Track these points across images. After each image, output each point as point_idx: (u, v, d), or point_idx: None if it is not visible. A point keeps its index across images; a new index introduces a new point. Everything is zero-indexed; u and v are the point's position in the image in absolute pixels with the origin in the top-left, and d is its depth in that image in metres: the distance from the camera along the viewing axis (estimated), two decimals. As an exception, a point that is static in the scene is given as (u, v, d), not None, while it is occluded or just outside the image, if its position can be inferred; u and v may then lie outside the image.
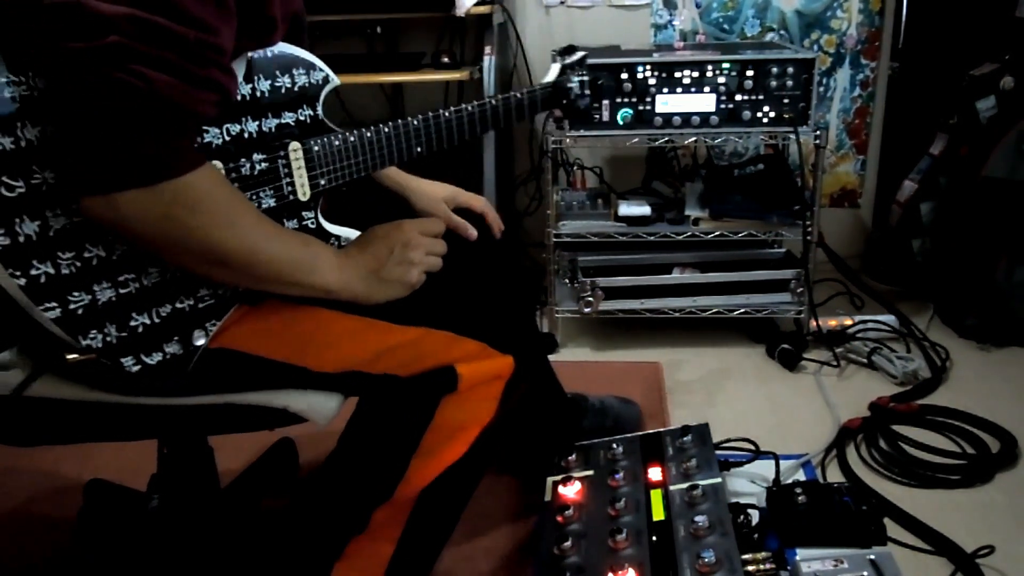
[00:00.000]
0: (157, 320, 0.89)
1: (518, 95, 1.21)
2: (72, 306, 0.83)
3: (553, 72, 1.32)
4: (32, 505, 1.54)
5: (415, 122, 1.10)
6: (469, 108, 1.15)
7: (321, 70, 1.01)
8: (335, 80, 1.03)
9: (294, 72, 0.99)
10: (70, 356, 0.84)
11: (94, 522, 1.38)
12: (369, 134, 1.06)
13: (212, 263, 0.87)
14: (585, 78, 1.32)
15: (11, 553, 1.42)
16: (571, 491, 1.31)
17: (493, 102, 1.18)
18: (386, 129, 1.08)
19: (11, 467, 1.64)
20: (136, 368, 0.88)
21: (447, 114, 1.13)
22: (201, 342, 0.93)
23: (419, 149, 1.12)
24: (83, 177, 0.78)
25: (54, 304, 0.81)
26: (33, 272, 0.80)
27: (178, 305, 0.91)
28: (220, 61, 0.83)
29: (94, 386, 0.93)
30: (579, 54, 1.35)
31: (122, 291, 0.86)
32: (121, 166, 0.78)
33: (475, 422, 1.06)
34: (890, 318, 2.12)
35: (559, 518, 1.25)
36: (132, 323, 0.87)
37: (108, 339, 0.86)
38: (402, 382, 1.01)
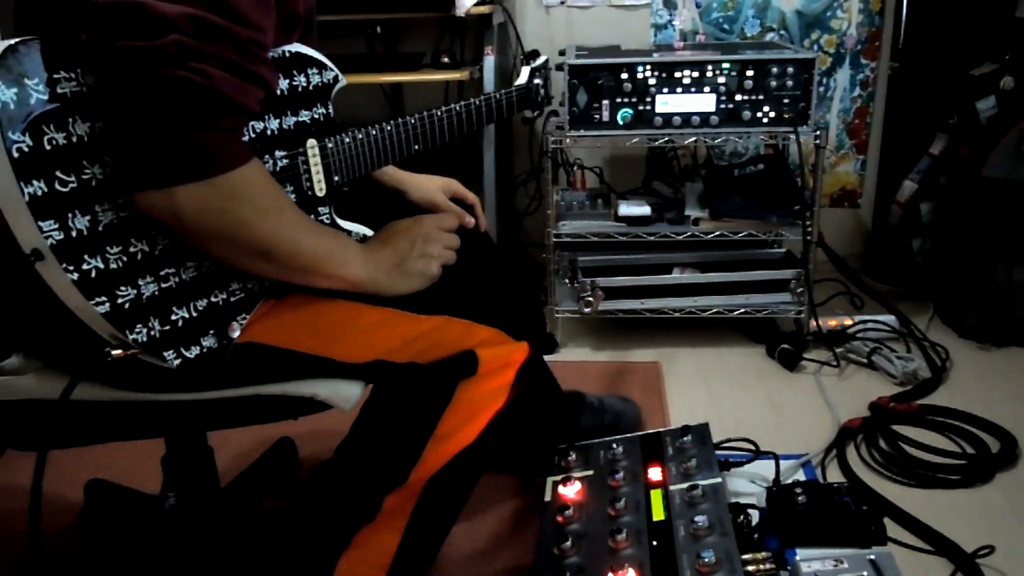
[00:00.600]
0: (195, 314, 0.91)
1: (497, 96, 1.31)
2: (120, 300, 0.84)
3: (524, 75, 1.42)
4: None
5: (412, 120, 1.15)
6: (457, 107, 1.22)
7: (331, 69, 1.04)
8: (343, 80, 1.06)
9: (309, 71, 1.01)
10: (114, 352, 0.84)
11: (95, 522, 1.38)
12: (375, 132, 1.11)
13: (258, 255, 0.89)
14: (547, 81, 1.46)
15: (11, 553, 1.42)
16: (571, 491, 1.31)
17: (477, 102, 1.27)
18: (388, 127, 1.12)
19: (11, 467, 1.64)
20: (177, 361, 0.89)
21: (439, 112, 1.19)
22: (236, 334, 0.94)
23: (417, 147, 1.17)
24: (142, 172, 0.80)
25: (104, 299, 0.82)
26: (85, 267, 0.81)
27: (212, 299, 0.92)
28: (266, 57, 0.86)
29: (123, 385, 0.94)
30: (542, 59, 1.46)
31: (163, 285, 0.88)
32: (180, 160, 0.80)
33: (489, 407, 1.09)
34: (890, 318, 2.12)
35: (559, 518, 1.25)
36: (173, 317, 0.89)
37: (152, 333, 0.86)
38: (423, 369, 1.04)
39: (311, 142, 1.03)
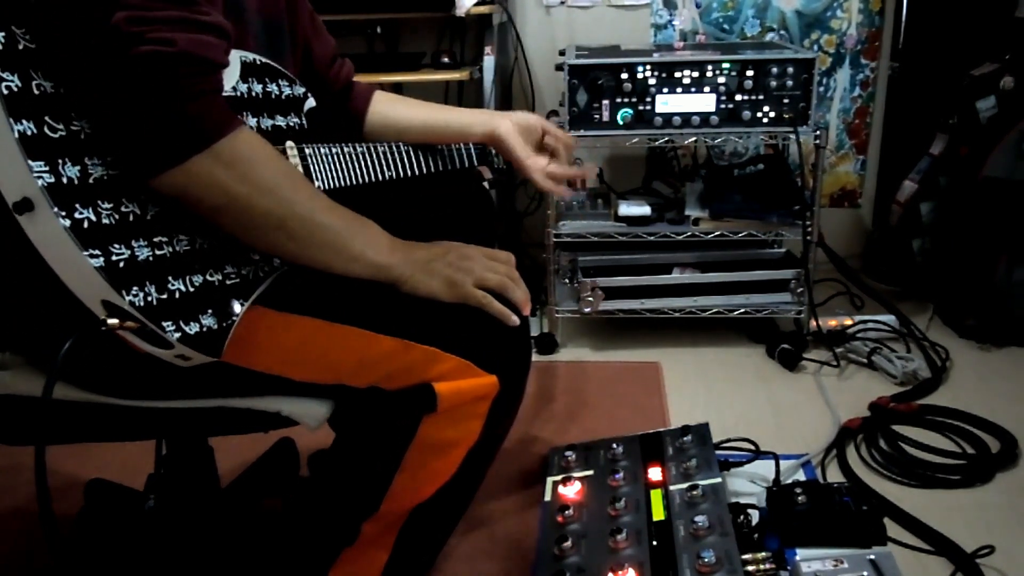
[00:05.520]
0: (192, 288, 0.86)
1: (459, 148, 1.33)
2: (114, 257, 0.79)
3: None
4: (32, 505, 1.54)
5: (381, 148, 1.20)
6: (419, 150, 1.27)
7: (300, 86, 1.07)
8: (312, 101, 1.09)
9: (280, 82, 1.04)
10: (110, 321, 0.78)
11: (94, 522, 1.38)
12: (348, 149, 1.15)
13: (274, 227, 0.86)
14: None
15: (11, 553, 1.42)
16: (571, 491, 1.31)
17: (440, 147, 1.30)
18: (361, 148, 1.17)
19: (11, 466, 1.64)
20: (177, 336, 0.82)
21: (403, 147, 1.24)
22: (239, 310, 0.89)
23: (390, 173, 1.22)
24: (148, 156, 0.78)
25: (98, 252, 0.77)
26: (77, 216, 0.76)
27: (208, 277, 0.88)
28: (207, 3, 0.83)
29: (88, 388, 0.92)
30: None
31: (158, 252, 0.83)
32: (177, 133, 0.78)
33: (460, 442, 1.02)
34: (890, 318, 2.12)
35: (559, 518, 1.25)
36: (170, 287, 0.84)
37: (149, 299, 0.81)
38: (386, 396, 0.98)
39: (289, 143, 1.04)
